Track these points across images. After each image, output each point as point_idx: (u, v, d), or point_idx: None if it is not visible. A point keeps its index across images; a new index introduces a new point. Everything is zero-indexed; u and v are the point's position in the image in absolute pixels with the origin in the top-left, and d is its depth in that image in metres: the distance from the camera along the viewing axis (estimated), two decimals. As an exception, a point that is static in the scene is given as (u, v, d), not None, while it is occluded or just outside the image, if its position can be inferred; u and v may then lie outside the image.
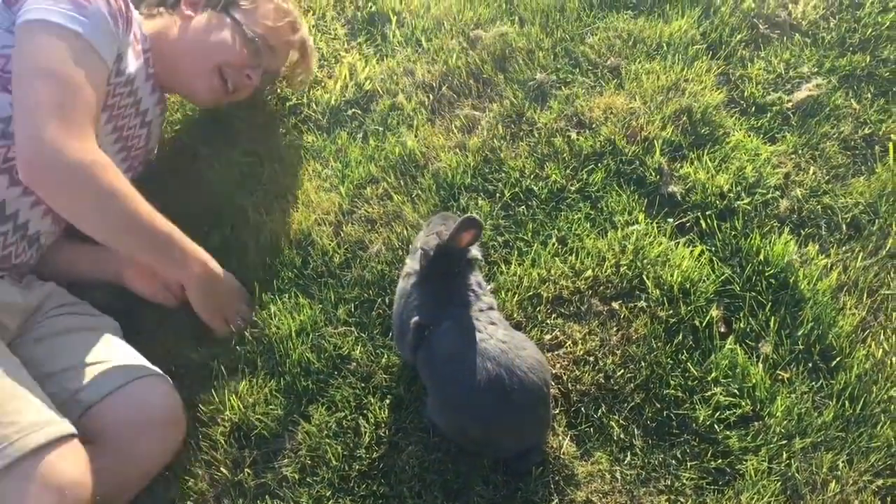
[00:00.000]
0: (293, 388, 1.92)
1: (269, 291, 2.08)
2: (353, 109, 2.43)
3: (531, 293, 1.99)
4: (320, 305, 2.04)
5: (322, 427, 1.85)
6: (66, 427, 1.57)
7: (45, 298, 1.93)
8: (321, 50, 2.59)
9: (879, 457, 1.69)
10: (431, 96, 2.43)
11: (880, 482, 1.66)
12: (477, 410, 1.64)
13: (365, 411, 1.86)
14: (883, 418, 1.73)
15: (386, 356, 1.93)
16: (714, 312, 1.91)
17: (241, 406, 1.89)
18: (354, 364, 1.94)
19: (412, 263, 1.82)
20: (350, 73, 2.50)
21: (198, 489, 1.82)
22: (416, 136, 2.33)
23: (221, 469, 1.83)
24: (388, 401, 1.87)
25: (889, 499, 1.64)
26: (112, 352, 1.85)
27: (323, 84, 2.50)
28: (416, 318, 1.74)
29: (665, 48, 2.43)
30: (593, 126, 2.29)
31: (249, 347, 1.98)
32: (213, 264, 1.98)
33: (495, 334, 1.68)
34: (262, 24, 2.16)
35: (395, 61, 2.53)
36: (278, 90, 2.51)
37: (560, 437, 1.79)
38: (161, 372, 1.87)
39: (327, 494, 1.75)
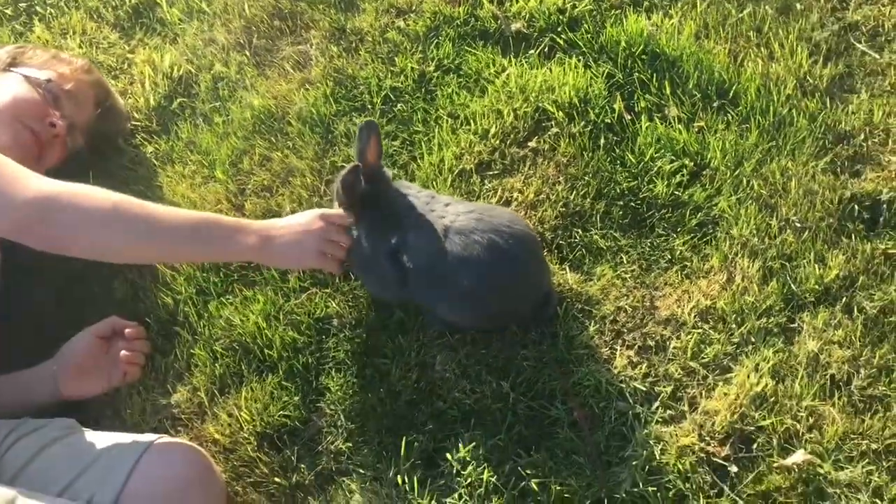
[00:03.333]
0: (293, 372, 1.78)
1: (211, 301, 1.89)
2: (178, 100, 2.22)
3: (455, 172, 1.97)
4: (269, 287, 1.89)
5: (346, 387, 1.74)
6: None
7: None
8: (105, 63, 2.32)
9: (809, 143, 1.87)
10: (248, 53, 2.28)
11: (822, 162, 1.85)
12: (492, 283, 1.62)
13: (375, 352, 1.77)
14: (793, 114, 1.92)
15: (363, 296, 1.84)
16: (617, 105, 2.01)
17: (253, 416, 1.72)
18: (337, 320, 1.83)
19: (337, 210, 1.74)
20: (151, 69, 2.27)
21: (263, 514, 1.65)
22: (257, 94, 2.18)
23: (275, 481, 1.66)
24: (390, 332, 1.79)
25: (837, 170, 1.85)
26: (95, 446, 1.59)
27: (130, 92, 2.25)
28: (381, 255, 1.68)
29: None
30: (413, 8, 2.27)
31: (228, 360, 1.80)
32: (264, 223, 1.77)
33: (458, 210, 1.65)
34: (51, 71, 1.95)
35: (189, 38, 2.33)
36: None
37: (560, 273, 1.82)
38: (153, 435, 1.64)
39: (384, 440, 1.66)
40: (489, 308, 1.68)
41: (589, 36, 2.13)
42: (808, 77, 1.98)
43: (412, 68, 2.15)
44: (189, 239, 1.65)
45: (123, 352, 1.79)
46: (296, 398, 1.74)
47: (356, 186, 1.68)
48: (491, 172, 1.98)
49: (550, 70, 2.10)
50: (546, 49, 2.16)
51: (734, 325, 1.69)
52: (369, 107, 2.11)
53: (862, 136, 1.88)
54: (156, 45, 2.35)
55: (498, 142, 2.01)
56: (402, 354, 1.75)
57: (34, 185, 1.55)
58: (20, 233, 1.54)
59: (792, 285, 1.71)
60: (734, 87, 2.00)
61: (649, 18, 2.15)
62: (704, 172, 1.90)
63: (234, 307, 1.87)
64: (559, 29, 2.16)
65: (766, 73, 2.01)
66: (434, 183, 1.96)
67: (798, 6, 2.10)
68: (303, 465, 1.68)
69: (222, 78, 2.25)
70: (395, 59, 2.18)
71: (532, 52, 2.15)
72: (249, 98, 2.17)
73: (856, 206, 1.80)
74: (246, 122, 2.13)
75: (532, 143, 2.01)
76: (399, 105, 2.11)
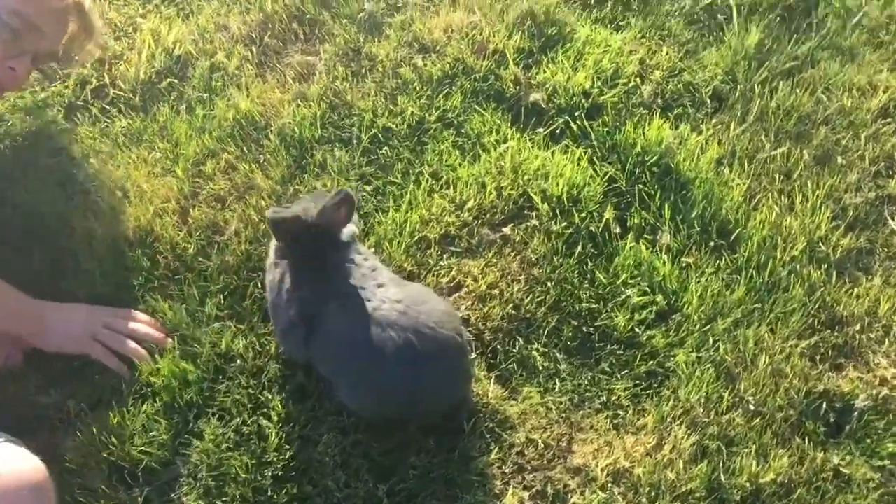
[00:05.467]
0: (174, 406, 1.65)
1: (118, 305, 1.78)
2: (168, 79, 2.11)
3: (416, 237, 1.82)
4: (183, 306, 1.77)
5: (219, 440, 1.61)
6: None
7: None
8: (113, 20, 2.23)
9: (797, 318, 1.67)
10: (255, 49, 2.15)
11: (804, 343, 1.65)
12: (394, 384, 1.47)
13: (264, 410, 1.64)
14: (791, 281, 1.72)
15: (273, 344, 1.71)
16: (607, 214, 1.82)
17: (115, 442, 1.60)
18: (240, 361, 1.70)
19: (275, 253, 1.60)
20: (154, 40, 2.16)
21: (88, 550, 1.54)
22: (248, 96, 2.05)
23: (108, 518, 1.55)
24: (287, 393, 1.65)
25: (818, 357, 1.63)
26: None
27: (125, 58, 2.15)
28: (294, 311, 1.55)
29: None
30: (438, 49, 2.11)
31: (110, 374, 1.69)
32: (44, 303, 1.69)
33: (388, 296, 1.50)
34: (14, 2, 1.79)
35: (204, 17, 2.21)
36: (73, 73, 2.14)
37: (484, 382, 1.65)
38: None
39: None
40: (388, 409, 1.54)
41: (605, 129, 1.95)
42: (822, 242, 1.77)
43: (412, 112, 2.00)
44: None
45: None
46: (165, 436, 1.61)
47: (284, 235, 1.55)
48: (453, 248, 1.82)
49: (552, 155, 1.92)
50: (557, 130, 1.98)
51: (645, 500, 1.51)
52: (355, 141, 1.97)
53: (858, 327, 1.67)
54: (168, 16, 2.24)
55: (471, 217, 1.85)
56: (288, 422, 1.61)
57: None
58: None
59: (722, 475, 1.51)
60: (738, 231, 1.79)
61: (675, 128, 1.96)
62: (673, 317, 1.70)
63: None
64: (577, 113, 1.98)
65: (779, 224, 1.80)
66: (389, 244, 1.81)
67: (839, 160, 1.88)
68: (147, 511, 1.57)
69: (220, 69, 2.13)
70: (399, 97, 2.03)
71: (541, 130, 1.98)
72: (239, 98, 2.04)
73: (824, 405, 1.59)
74: (226, 123, 2.01)
75: (506, 230, 1.84)
76: (385, 148, 1.96)
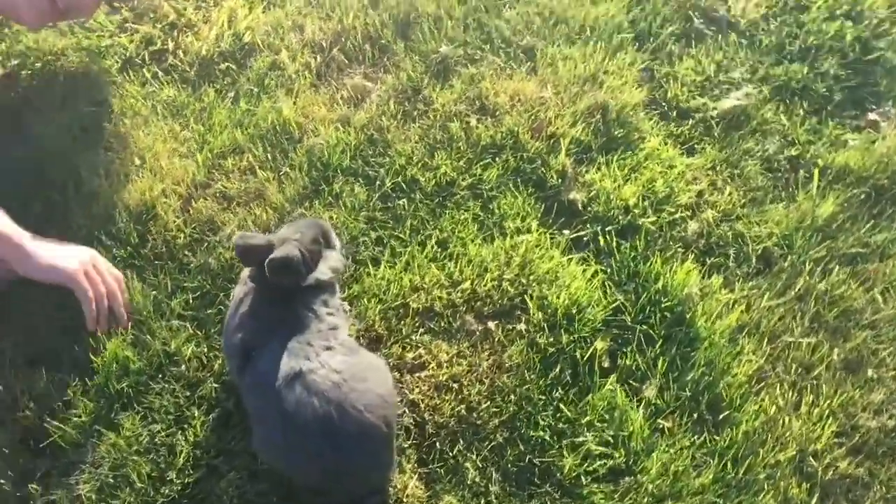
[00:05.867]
0: (104, 391, 1.63)
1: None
2: (227, 63, 2.09)
3: (399, 302, 1.73)
4: (153, 292, 1.74)
5: (132, 440, 1.57)
6: None
7: None
8: (200, -10, 2.23)
9: (758, 526, 1.51)
10: (319, 58, 2.11)
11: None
12: (298, 454, 1.39)
13: (185, 426, 1.59)
14: (766, 486, 1.54)
15: (219, 362, 1.65)
16: (599, 345, 1.69)
17: (34, 407, 1.59)
18: (183, 367, 1.65)
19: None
20: (229, 20, 2.15)
21: (-28, 504, 1.53)
22: (294, 103, 2.01)
23: (2, 480, 1.53)
24: (213, 416, 1.60)
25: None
26: None
27: (196, 29, 2.15)
28: (240, 335, 1.48)
29: (588, 32, 2.16)
30: (496, 113, 2.02)
31: (55, 336, 1.67)
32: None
33: (329, 362, 1.42)
34: None
35: (284, 12, 2.19)
36: (141, 29, 2.14)
37: (407, 476, 1.55)
38: None
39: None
40: (291, 472, 1.46)
41: (632, 254, 1.81)
42: (815, 457, 1.58)
43: (445, 171, 1.91)
44: None
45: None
46: (84, 417, 1.57)
47: (251, 263, 1.49)
48: (430, 325, 1.72)
49: (567, 263, 1.79)
50: (583, 238, 1.85)
51: None
52: (378, 182, 1.90)
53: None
54: (252, 0, 2.22)
55: (461, 300, 1.75)
56: (203, 446, 1.56)
57: None
58: None
59: None
60: (730, 412, 1.63)
61: (706, 277, 1.80)
62: (626, 479, 1.55)
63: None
64: (610, 227, 1.85)
65: (773, 422, 1.62)
66: (369, 300, 1.73)
67: (870, 372, 1.68)
68: (38, 487, 1.52)
69: (279, 68, 2.09)
70: (439, 151, 1.95)
71: (567, 232, 1.85)
72: (284, 103, 2.00)
73: None
74: (263, 124, 1.97)
75: (491, 324, 1.73)
76: (405, 199, 1.88)
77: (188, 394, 1.63)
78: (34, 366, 1.66)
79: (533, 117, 1.99)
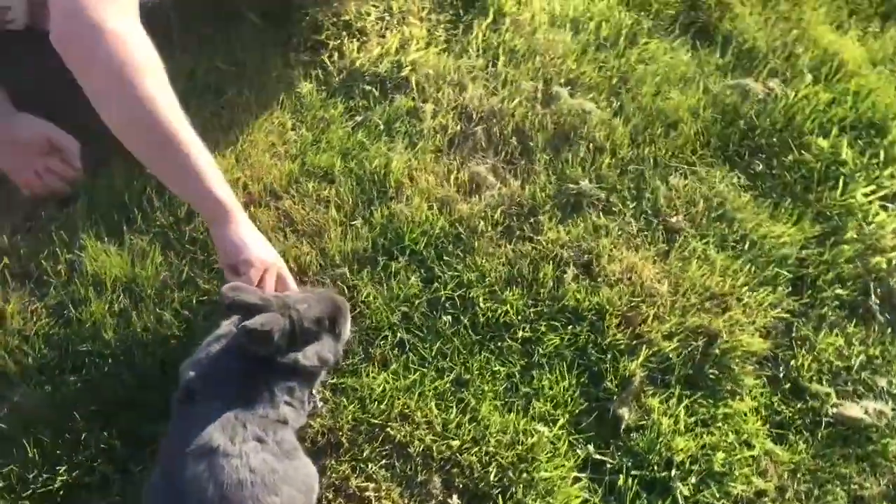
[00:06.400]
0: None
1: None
2: (372, 87, 1.95)
3: (379, 421, 1.54)
4: (139, 270, 1.64)
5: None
6: None
7: None
8: (397, 8, 2.09)
9: None
10: (461, 127, 1.93)
11: None
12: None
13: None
14: None
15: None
16: None
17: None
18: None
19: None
20: (400, 46, 2.01)
21: None
22: (408, 161, 1.84)
23: None
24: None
25: None
26: None
27: (365, 39, 2.02)
28: (192, 374, 1.35)
29: (746, 247, 1.83)
30: (598, 279, 1.75)
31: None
32: None
33: (250, 456, 1.26)
34: None
35: (456, 64, 2.01)
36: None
37: None
38: None
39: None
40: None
41: (645, 515, 1.52)
42: None
43: (507, 312, 1.68)
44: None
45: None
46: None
47: (237, 312, 1.35)
48: (395, 462, 1.51)
49: (569, 482, 1.52)
50: (605, 466, 1.57)
51: None
52: (435, 285, 1.70)
53: None
54: (435, 37, 2.05)
55: (440, 456, 1.52)
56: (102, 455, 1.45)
57: (109, 16, 1.37)
58: (59, 42, 1.37)
59: None
60: None
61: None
62: None
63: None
64: (637, 473, 1.55)
65: None
66: (350, 403, 1.54)
67: None
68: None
69: (416, 117, 1.92)
70: (513, 288, 1.72)
71: (591, 448, 1.57)
72: (398, 155, 1.84)
73: None
74: (366, 164, 1.82)
75: (455, 500, 1.50)
76: (449, 317, 1.67)
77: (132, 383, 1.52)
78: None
79: (633, 305, 1.72)
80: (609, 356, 1.67)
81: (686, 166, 1.94)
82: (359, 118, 1.91)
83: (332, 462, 1.50)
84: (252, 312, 1.31)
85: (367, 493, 1.49)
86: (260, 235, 1.52)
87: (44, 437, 1.45)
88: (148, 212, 1.72)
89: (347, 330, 1.51)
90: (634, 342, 1.69)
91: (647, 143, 1.95)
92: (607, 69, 2.06)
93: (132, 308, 1.61)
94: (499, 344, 1.67)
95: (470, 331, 1.67)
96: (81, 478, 1.43)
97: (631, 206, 1.86)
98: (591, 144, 1.92)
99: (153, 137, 1.38)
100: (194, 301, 1.63)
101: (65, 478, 1.41)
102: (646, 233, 1.84)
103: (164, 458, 1.34)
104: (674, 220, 1.86)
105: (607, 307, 1.71)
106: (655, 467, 1.57)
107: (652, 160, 1.93)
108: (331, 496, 1.47)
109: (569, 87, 2.01)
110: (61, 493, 1.41)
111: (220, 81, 1.91)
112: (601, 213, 1.85)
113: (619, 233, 1.82)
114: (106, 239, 1.69)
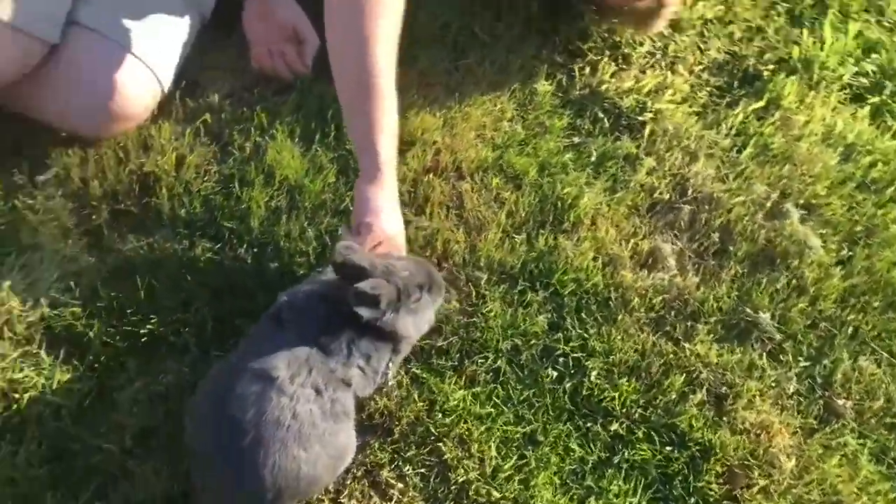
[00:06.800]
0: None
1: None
2: (606, 117, 1.84)
3: (434, 434, 1.49)
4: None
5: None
6: None
7: None
8: (667, 45, 1.94)
9: None
10: (669, 196, 1.77)
11: None
12: (199, 423, 1.31)
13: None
14: None
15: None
16: None
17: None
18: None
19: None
20: (653, 90, 1.87)
21: None
22: (599, 202, 1.73)
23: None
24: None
25: None
26: None
27: (625, 68, 1.90)
28: (284, 299, 1.37)
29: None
30: (724, 416, 1.56)
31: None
32: None
33: (300, 401, 1.26)
34: None
35: (700, 132, 1.85)
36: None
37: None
38: None
39: None
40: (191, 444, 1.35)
41: None
42: None
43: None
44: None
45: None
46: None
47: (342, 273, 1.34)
48: (428, 485, 1.47)
49: None
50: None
51: None
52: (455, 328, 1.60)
53: None
54: (710, 120, 1.89)
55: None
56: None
57: None
58: None
59: None
60: None
61: None
62: None
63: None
64: None
65: None
66: (418, 399, 1.51)
67: None
68: None
69: (629, 165, 1.80)
70: (629, 379, 1.58)
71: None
72: (595, 191, 1.74)
73: None
74: (559, 189, 1.73)
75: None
76: (482, 363, 1.58)
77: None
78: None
79: (746, 464, 1.52)
80: (692, 500, 1.51)
81: (886, 355, 1.68)
82: (577, 139, 1.83)
83: (376, 444, 1.48)
84: (355, 273, 1.30)
85: (392, 491, 1.45)
86: (396, 206, 1.51)
87: (156, 284, 1.54)
88: (342, 134, 1.75)
89: (440, 303, 1.49)
90: (725, 502, 1.51)
91: (857, 310, 1.70)
92: (857, 212, 1.82)
93: (285, 211, 1.66)
94: (589, 424, 1.55)
95: (567, 396, 1.56)
96: (167, 335, 1.51)
97: (802, 364, 1.64)
98: (794, 280, 1.71)
99: (354, 71, 1.40)
100: (339, 232, 1.65)
101: (153, 327, 1.50)
102: (802, 399, 1.62)
103: (224, 364, 1.37)
104: (840, 402, 1.62)
105: (718, 451, 1.53)
106: None
107: (852, 329, 1.68)
108: (359, 474, 1.45)
109: (804, 212, 1.79)
110: (144, 339, 1.50)
111: (467, 44, 1.90)
112: (766, 355, 1.65)
113: (774, 384, 1.62)
114: (297, 139, 1.75)
